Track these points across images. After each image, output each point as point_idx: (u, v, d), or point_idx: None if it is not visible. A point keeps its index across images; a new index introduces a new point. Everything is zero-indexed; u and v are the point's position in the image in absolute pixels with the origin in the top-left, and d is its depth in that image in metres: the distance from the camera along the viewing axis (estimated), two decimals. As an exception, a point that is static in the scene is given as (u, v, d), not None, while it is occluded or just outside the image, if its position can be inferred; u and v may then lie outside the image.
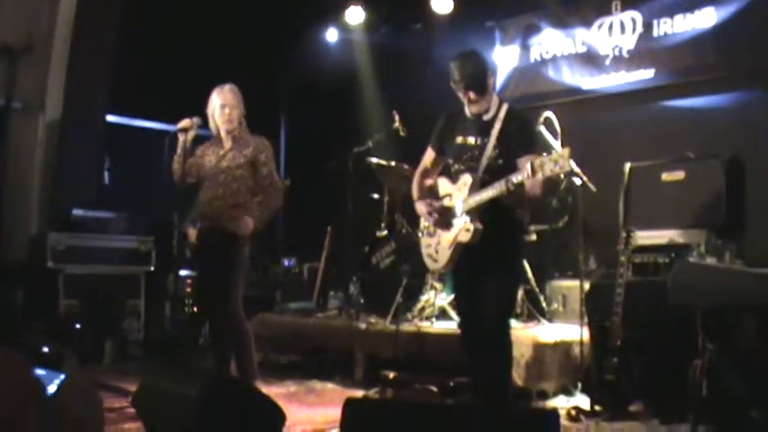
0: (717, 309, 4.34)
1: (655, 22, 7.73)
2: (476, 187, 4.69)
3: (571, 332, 6.30)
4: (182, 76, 9.04)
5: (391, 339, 6.44)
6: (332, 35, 10.45)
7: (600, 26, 8.19)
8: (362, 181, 7.53)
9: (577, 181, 6.03)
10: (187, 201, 5.89)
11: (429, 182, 5.11)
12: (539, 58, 8.76)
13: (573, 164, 4.67)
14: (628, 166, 6.36)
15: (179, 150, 5.74)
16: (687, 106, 7.59)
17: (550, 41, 8.66)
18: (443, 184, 5.00)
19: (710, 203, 5.85)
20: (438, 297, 6.88)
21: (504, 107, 4.82)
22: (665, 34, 7.67)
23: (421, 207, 5.00)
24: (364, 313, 7.18)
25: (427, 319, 6.79)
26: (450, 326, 6.60)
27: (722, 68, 7.30)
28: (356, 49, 10.24)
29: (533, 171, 4.27)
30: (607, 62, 8.11)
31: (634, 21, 7.89)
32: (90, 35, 8.78)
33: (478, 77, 4.76)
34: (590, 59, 8.28)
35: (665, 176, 6.15)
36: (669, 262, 5.70)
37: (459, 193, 4.80)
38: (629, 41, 7.92)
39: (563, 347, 6.14)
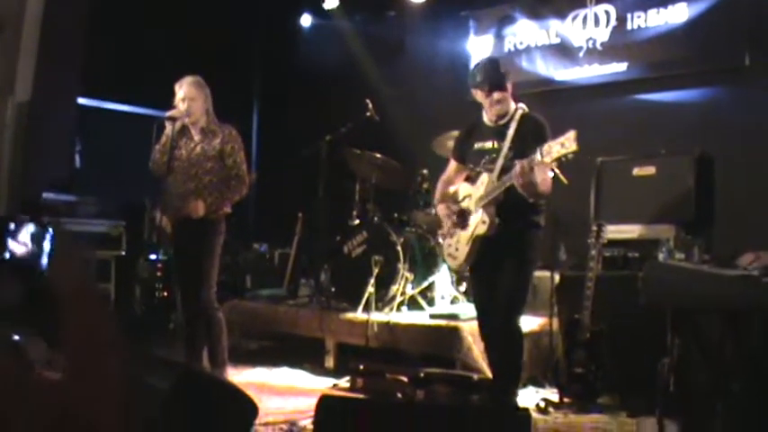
0: (686, 308, 4.42)
1: (629, 15, 7.82)
2: (492, 185, 4.82)
3: (541, 323, 6.37)
4: (155, 60, 8.97)
5: (362, 328, 6.47)
6: (306, 21, 10.42)
7: (574, 18, 8.24)
8: (335, 169, 7.51)
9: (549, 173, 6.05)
10: (159, 185, 5.83)
11: (452, 189, 5.25)
12: (512, 49, 8.82)
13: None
14: (599, 159, 6.39)
15: (163, 139, 5.68)
16: (658, 100, 7.69)
17: (524, 32, 8.70)
18: (463, 188, 5.15)
19: (680, 199, 5.90)
20: (409, 287, 6.90)
21: (519, 111, 4.95)
22: (639, 28, 7.76)
23: (441, 209, 5.20)
24: (335, 301, 7.18)
25: (398, 308, 6.81)
26: (421, 316, 6.65)
27: (693, 64, 7.40)
28: (330, 36, 10.20)
29: (542, 154, 4.42)
30: (580, 54, 8.18)
31: (608, 14, 7.95)
32: (62, 16, 8.68)
33: (500, 78, 4.90)
34: (563, 51, 8.34)
35: (636, 171, 6.17)
36: (639, 257, 5.76)
37: (476, 192, 4.94)
38: (602, 34, 7.98)
39: (532, 338, 6.20)
